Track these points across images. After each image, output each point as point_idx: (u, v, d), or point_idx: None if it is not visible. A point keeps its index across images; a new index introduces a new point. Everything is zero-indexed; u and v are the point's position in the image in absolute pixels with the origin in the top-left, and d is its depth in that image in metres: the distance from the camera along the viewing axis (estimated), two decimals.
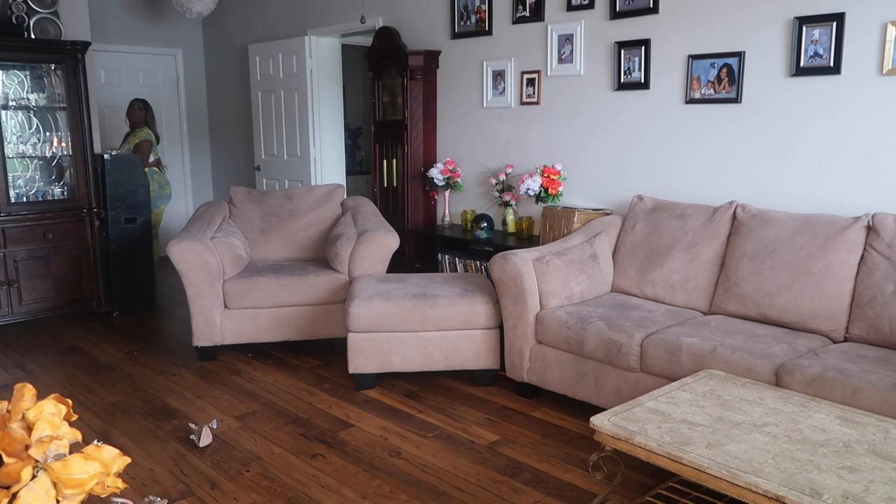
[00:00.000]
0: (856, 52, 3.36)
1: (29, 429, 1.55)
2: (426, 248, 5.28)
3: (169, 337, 4.97)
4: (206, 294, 4.18)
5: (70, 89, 5.12)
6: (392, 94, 5.38)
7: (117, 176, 5.23)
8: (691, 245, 3.66)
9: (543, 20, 4.57)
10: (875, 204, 3.33)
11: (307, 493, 2.81)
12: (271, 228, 4.83)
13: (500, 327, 3.76)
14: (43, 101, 5.22)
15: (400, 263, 4.92)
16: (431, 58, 5.21)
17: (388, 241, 4.36)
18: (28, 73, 5.20)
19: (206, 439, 3.21)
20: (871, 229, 3.19)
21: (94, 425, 3.44)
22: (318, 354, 4.41)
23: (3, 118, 5.02)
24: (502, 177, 4.83)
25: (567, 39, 4.46)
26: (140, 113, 6.49)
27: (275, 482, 2.90)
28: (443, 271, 4.97)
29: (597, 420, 2.37)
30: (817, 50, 3.46)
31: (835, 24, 3.38)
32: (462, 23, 5.07)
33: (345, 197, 5.07)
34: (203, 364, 4.29)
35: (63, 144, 5.24)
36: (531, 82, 4.70)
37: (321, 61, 6.27)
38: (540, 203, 4.54)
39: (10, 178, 4.99)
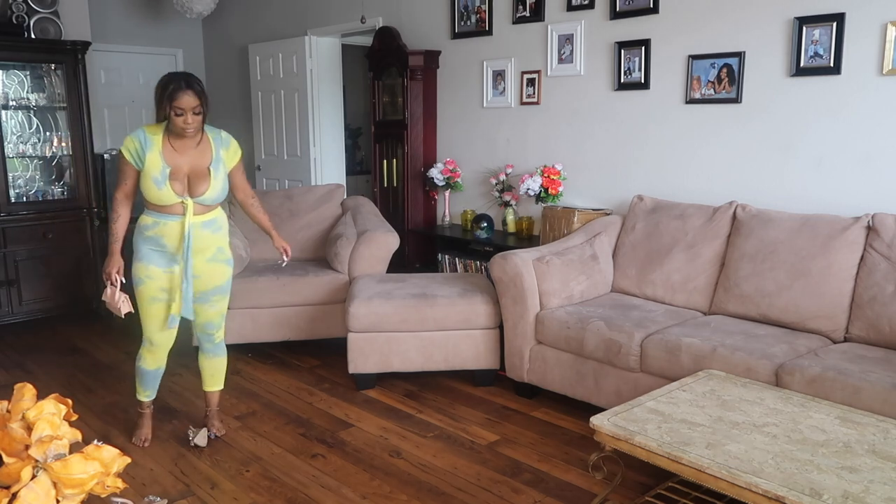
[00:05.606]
0: (856, 53, 3.35)
1: (29, 429, 1.55)
2: (426, 248, 5.28)
3: None
4: None
5: (70, 89, 5.12)
6: (392, 94, 5.38)
7: (117, 176, 5.23)
8: (691, 245, 3.66)
9: (543, 20, 4.57)
10: (875, 204, 3.32)
11: (307, 493, 2.81)
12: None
13: (500, 327, 3.76)
14: (43, 100, 5.21)
15: (400, 263, 4.91)
16: (431, 58, 5.21)
17: (388, 241, 4.36)
18: (28, 72, 5.20)
19: (203, 440, 3.21)
20: (871, 229, 3.19)
21: (94, 425, 3.44)
22: (318, 354, 4.41)
23: (3, 118, 5.01)
24: (502, 177, 4.82)
25: (567, 39, 4.46)
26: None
27: (275, 482, 2.90)
28: (443, 271, 4.97)
29: (597, 420, 2.37)
30: (817, 50, 3.46)
31: (835, 24, 3.38)
32: (462, 23, 5.07)
33: (345, 197, 5.07)
34: None
35: (63, 144, 5.24)
36: (531, 82, 4.70)
37: (321, 61, 6.27)
38: (540, 203, 4.54)
39: (10, 178, 4.99)
